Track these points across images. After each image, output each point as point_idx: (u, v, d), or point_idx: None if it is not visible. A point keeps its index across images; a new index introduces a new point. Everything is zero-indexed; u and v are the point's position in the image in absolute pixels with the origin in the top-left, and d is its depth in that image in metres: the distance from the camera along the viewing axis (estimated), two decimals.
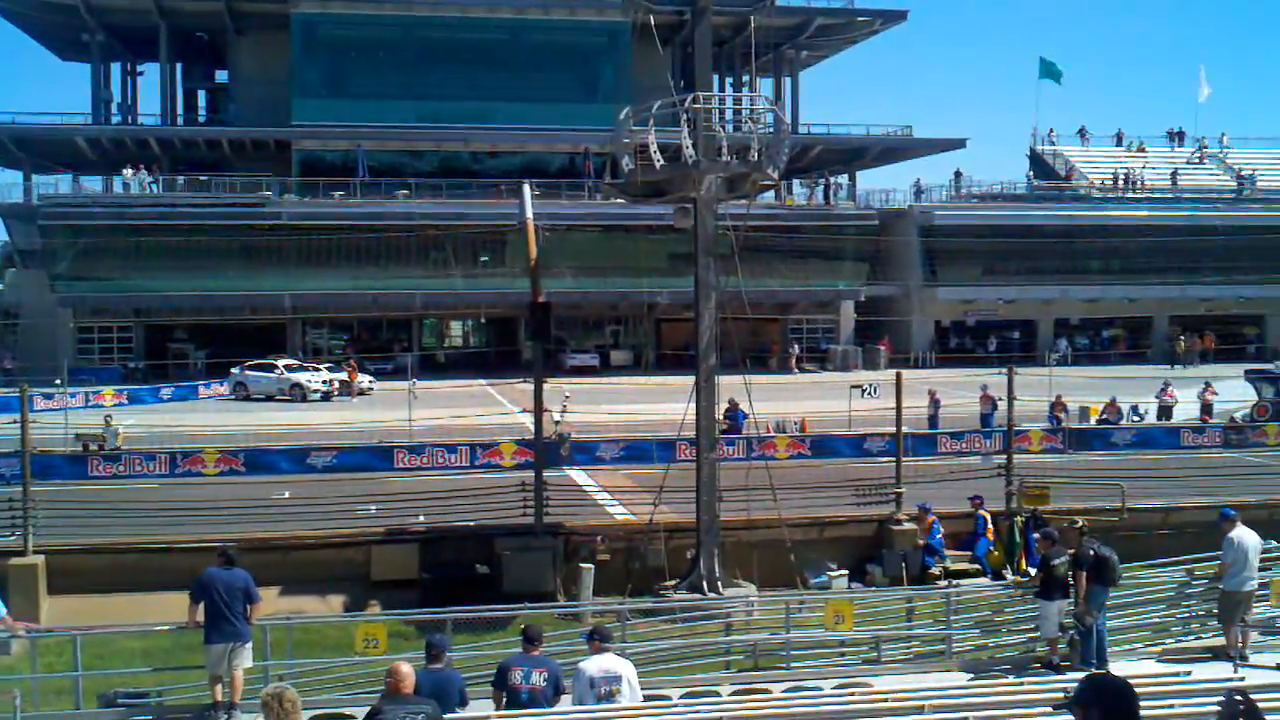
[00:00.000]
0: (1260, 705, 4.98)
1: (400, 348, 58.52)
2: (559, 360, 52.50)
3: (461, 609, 16.02)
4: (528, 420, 25.73)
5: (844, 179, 69.82)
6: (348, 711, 13.27)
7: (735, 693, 14.12)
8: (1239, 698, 4.83)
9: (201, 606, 13.23)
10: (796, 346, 60.18)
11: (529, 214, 24.78)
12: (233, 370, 49.28)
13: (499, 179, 57.73)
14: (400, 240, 55.28)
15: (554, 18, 62.45)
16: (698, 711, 11.95)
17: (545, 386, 23.75)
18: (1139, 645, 16.67)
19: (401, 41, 61.75)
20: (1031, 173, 69.99)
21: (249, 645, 13.36)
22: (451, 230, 55.25)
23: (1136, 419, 37.49)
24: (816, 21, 64.78)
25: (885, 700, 13.05)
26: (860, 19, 66.08)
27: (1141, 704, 11.48)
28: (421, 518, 23.86)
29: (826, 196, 64.58)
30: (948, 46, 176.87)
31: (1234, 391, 39.83)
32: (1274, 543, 18.37)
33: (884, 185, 73.75)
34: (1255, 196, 67.63)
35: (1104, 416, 36.67)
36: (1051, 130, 72.70)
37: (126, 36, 64.84)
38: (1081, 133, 73.32)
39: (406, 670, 9.02)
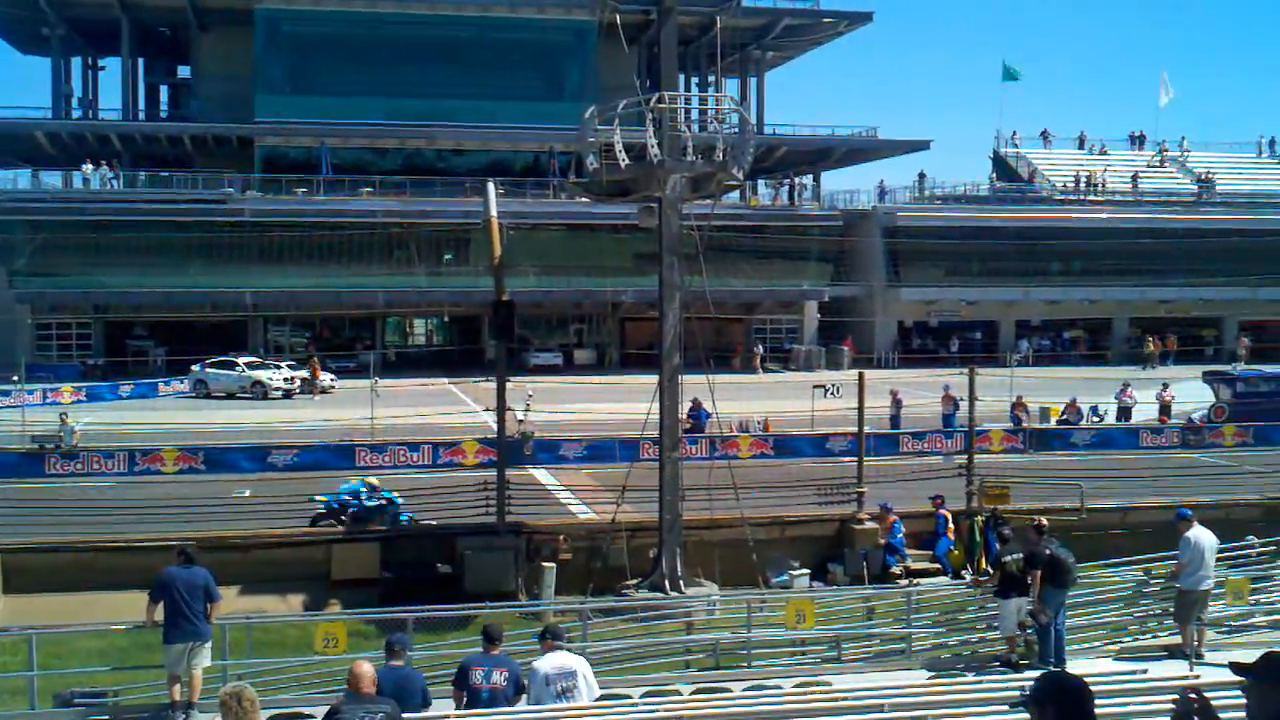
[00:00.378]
0: (1214, 704, 5.02)
1: (363, 346, 58.24)
2: (522, 359, 52.34)
3: (422, 608, 15.95)
4: (490, 419, 25.69)
5: (809, 180, 70.04)
6: (307, 711, 13.17)
7: (696, 692, 14.11)
8: (1193, 696, 4.83)
9: (160, 606, 13.11)
10: (760, 346, 60.28)
11: (493, 212, 24.74)
12: (193, 368, 48.84)
13: (464, 177, 57.44)
14: (363, 238, 55.02)
15: (520, 16, 62.31)
16: (658, 710, 11.94)
17: (508, 385, 23.71)
18: (1097, 644, 16.82)
19: (366, 38, 61.40)
20: (994, 175, 70.42)
21: (208, 645, 13.26)
22: (415, 228, 55.02)
23: (1096, 420, 37.80)
24: (782, 22, 64.94)
25: (845, 699, 13.08)
26: (826, 20, 66.27)
27: (1098, 702, 11.58)
28: None
29: (791, 197, 64.76)
30: (913, 49, 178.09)
31: (1192, 393, 40.22)
32: (1256, 540, 18.67)
33: (848, 186, 74.97)
34: (1214, 200, 68.34)
35: (1064, 417, 36.95)
36: (1015, 133, 73.27)
37: (88, 30, 64.22)
38: (1044, 135, 73.85)
39: (367, 669, 8.98)
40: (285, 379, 48.10)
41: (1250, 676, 4.72)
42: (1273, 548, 19.38)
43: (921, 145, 69.11)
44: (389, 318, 63.73)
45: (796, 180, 66.65)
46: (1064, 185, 68.37)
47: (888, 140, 69.46)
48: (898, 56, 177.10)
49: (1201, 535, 15.82)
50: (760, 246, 57.57)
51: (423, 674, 11.91)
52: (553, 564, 21.40)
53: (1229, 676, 5.21)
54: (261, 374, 47.96)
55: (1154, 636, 16.98)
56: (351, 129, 61.18)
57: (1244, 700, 4.78)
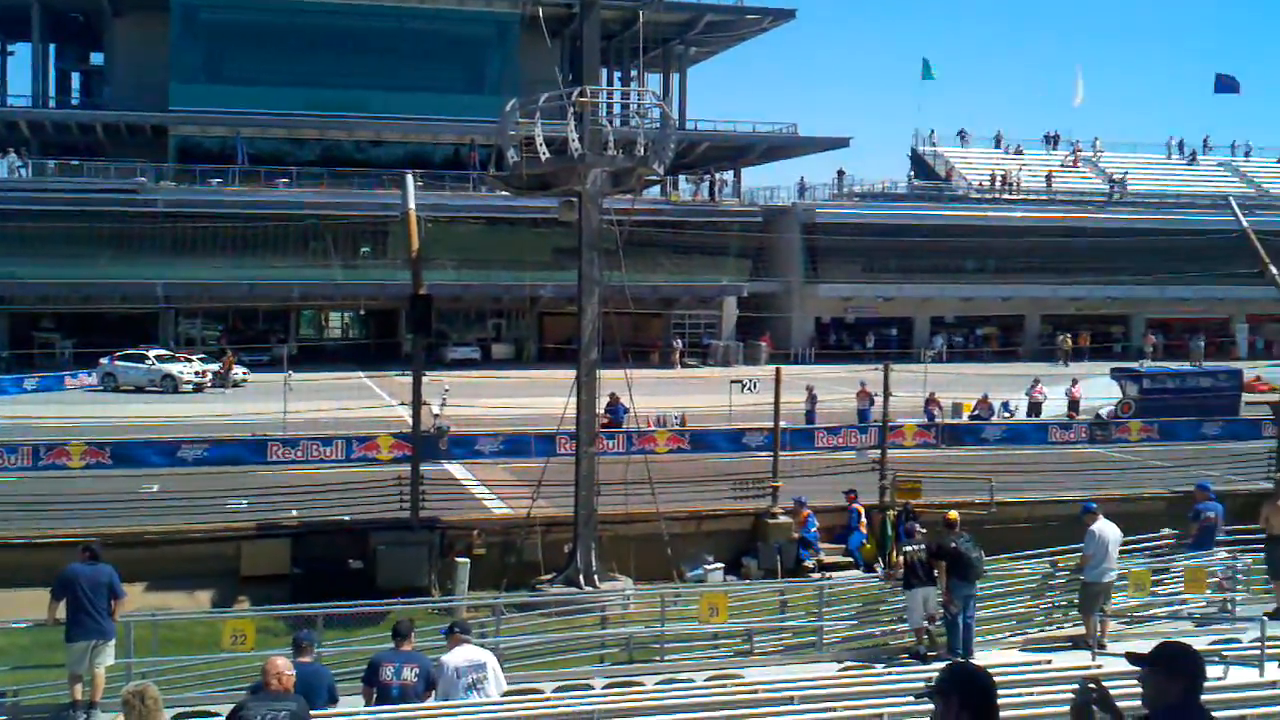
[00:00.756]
0: (1114, 693, 5.15)
1: (277, 339, 57.43)
2: (440, 353, 52.03)
3: (332, 604, 15.81)
4: (406, 413, 25.46)
5: (730, 175, 70.36)
6: (213, 709, 13.01)
7: (608, 686, 14.15)
8: (1092, 686, 4.94)
9: (63, 603, 12.87)
10: (679, 341, 60.47)
11: (411, 205, 24.56)
12: (101, 361, 47.80)
13: (382, 169, 56.93)
14: (279, 230, 54.17)
15: (442, 7, 61.87)
16: (569, 704, 11.96)
17: (425, 379, 23.56)
18: (1004, 635, 17.14)
19: (285, 27, 60.56)
20: (912, 173, 71.25)
21: (112, 643, 13.06)
22: (332, 220, 54.43)
23: (1007, 415, 38.42)
24: (705, 18, 65.15)
25: (756, 692, 13.21)
26: (749, 17, 66.55)
27: (1003, 692, 11.81)
28: (294, 512, 23.50)
29: (712, 193, 64.98)
30: (835, 47, 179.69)
31: (1101, 389, 41.02)
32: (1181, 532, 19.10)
33: (769, 182, 75.28)
34: (1125, 199, 69.75)
35: (976, 413, 37.53)
36: (933, 131, 74.18)
37: None
38: (961, 135, 74.89)
39: (279, 664, 8.88)
40: (196, 372, 47.29)
41: (1145, 666, 4.85)
42: (1171, 540, 19.92)
43: (841, 143, 69.76)
44: (304, 311, 62.99)
45: (717, 176, 66.95)
46: (980, 184, 69.38)
47: (808, 137, 69.99)
48: (820, 54, 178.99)
49: (1106, 528, 16.18)
50: (680, 242, 57.71)
51: (331, 671, 11.81)
52: (467, 559, 21.29)
53: (1129, 666, 5.34)
54: (172, 367, 47.09)
55: (1059, 628, 17.33)
56: (268, 119, 60.29)
57: (1140, 689, 4.91)
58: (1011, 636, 17.11)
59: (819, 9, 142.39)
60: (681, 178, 66.31)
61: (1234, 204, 33.48)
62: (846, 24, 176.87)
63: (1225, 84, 74.91)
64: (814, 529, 23.76)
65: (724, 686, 13.86)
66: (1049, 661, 15.16)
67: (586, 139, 20.85)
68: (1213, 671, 13.09)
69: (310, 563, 21.79)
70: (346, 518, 23.11)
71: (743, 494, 25.40)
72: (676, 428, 33.35)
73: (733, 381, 35.77)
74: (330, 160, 60.30)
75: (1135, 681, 5.11)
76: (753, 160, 72.42)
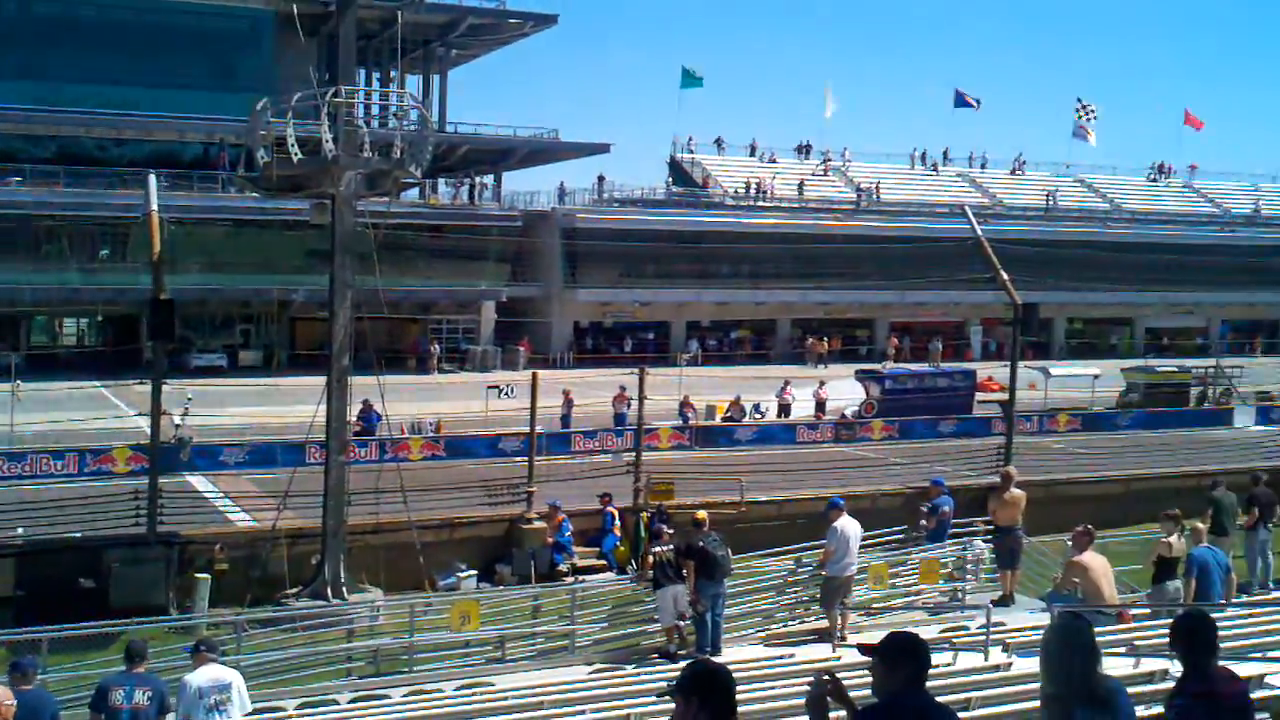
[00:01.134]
0: (850, 683, 5.29)
1: (5, 346, 53.91)
2: (183, 361, 49.86)
3: (57, 627, 14.92)
4: (146, 424, 24.28)
5: (491, 180, 70.01)
6: None
7: (354, 700, 13.85)
8: (826, 678, 5.05)
9: None
10: (437, 347, 59.76)
11: (154, 205, 23.56)
12: None
13: (125, 168, 54.22)
14: (9, 230, 50.91)
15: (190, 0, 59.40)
16: None
17: (166, 388, 22.58)
18: (751, 631, 17.57)
19: (15, 16, 56.94)
20: (670, 179, 72.43)
21: None
22: (68, 221, 51.49)
23: (759, 416, 39.48)
24: (467, 20, 64.49)
25: (505, 698, 13.16)
26: (511, 21, 66.28)
27: (748, 687, 12.02)
28: (20, 531, 22.11)
29: (472, 196, 64.51)
30: (597, 53, 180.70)
31: (847, 390, 42.57)
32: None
33: (530, 187, 75.36)
34: (872, 208, 72.68)
35: (729, 414, 38.43)
36: (691, 139, 75.45)
37: None
38: (718, 143, 76.47)
39: (1, 693, 8.29)
40: None
41: (874, 656, 5.03)
42: (900, 535, 20.88)
43: (602, 148, 70.30)
44: (36, 316, 59.37)
45: (478, 180, 66.47)
46: (735, 191, 71.09)
47: (569, 143, 70.24)
48: (582, 60, 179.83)
49: (847, 524, 16.71)
50: (439, 246, 57.04)
51: (56, 698, 11.17)
52: (208, 575, 20.47)
53: (862, 657, 5.53)
54: None
55: (802, 622, 17.87)
56: None
57: (870, 678, 5.07)
58: (758, 632, 17.54)
59: (582, 15, 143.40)
60: (441, 181, 65.62)
61: (969, 213, 35.27)
62: (609, 31, 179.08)
63: (964, 100, 78.87)
64: (568, 533, 23.83)
65: (474, 695, 13.75)
66: (792, 655, 15.61)
67: (341, 140, 20.40)
68: (943, 658, 13.75)
69: (37, 584, 20.52)
70: (77, 534, 21.87)
71: (498, 500, 25.28)
72: (431, 434, 32.93)
73: (489, 387, 35.59)
74: (67, 158, 56.88)
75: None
76: (514, 164, 72.19)
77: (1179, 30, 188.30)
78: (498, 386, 35.30)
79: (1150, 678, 10.74)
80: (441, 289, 59.04)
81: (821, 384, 42.37)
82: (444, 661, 16.37)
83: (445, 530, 23.88)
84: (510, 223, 62.26)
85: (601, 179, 69.12)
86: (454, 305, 61.71)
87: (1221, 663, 5.80)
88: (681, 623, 16.31)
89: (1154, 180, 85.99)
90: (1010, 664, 12.59)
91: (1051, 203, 77.88)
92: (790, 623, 17.91)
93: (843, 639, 16.04)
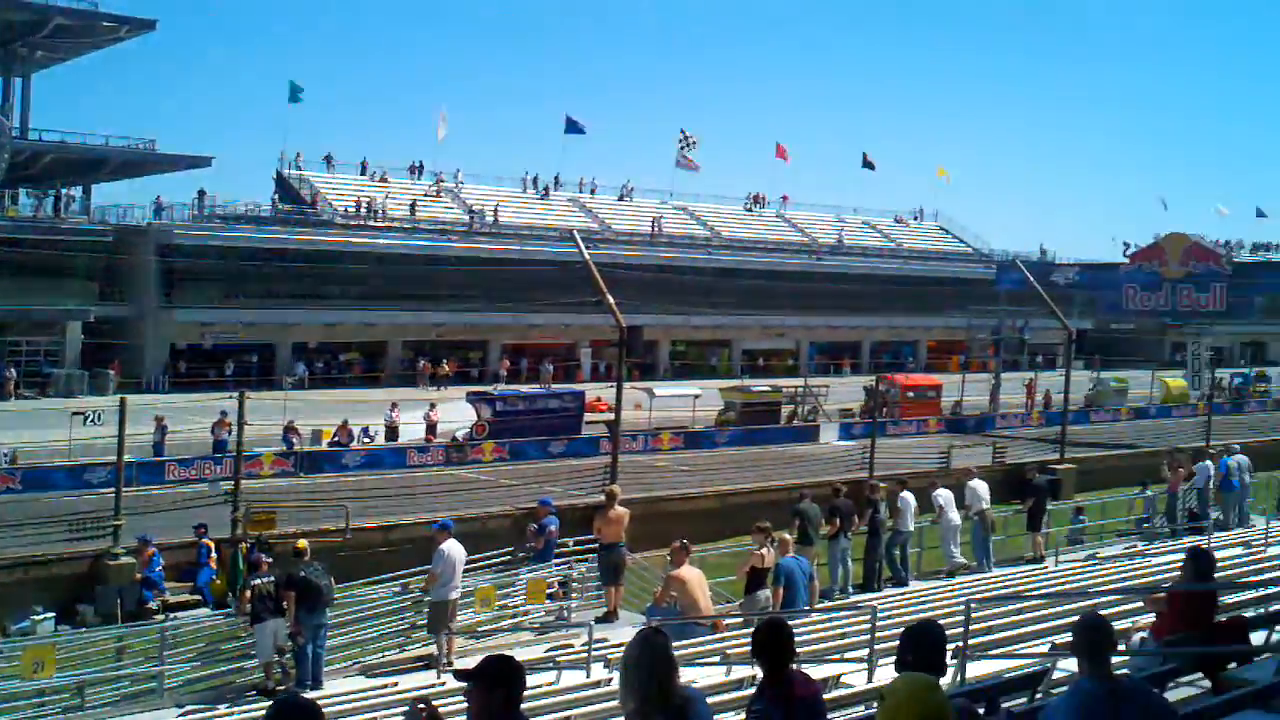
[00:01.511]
0: (452, 709, 5.20)
1: None
2: None
3: None
4: None
5: (79, 191, 65.33)
6: None
7: None
8: (421, 706, 5.08)
9: None
10: (14, 371, 54.92)
11: None
12: None
13: None
14: None
15: None
16: None
17: None
18: (356, 660, 17.09)
19: None
20: (277, 196, 70.10)
21: None
22: None
23: (367, 440, 38.76)
24: (54, 20, 60.03)
25: None
26: (105, 24, 62.28)
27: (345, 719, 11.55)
28: None
29: (57, 209, 59.86)
30: (200, 63, 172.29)
31: (460, 413, 42.49)
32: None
33: (126, 200, 70.37)
34: (485, 230, 73.13)
35: (336, 439, 37.45)
36: (299, 154, 73.32)
37: None
38: (328, 159, 74.71)
39: None
40: None
41: (470, 681, 4.97)
42: (508, 556, 21.00)
43: (204, 161, 67.27)
44: None
45: (65, 191, 61.79)
46: (346, 210, 69.70)
47: (167, 154, 66.83)
48: (185, 68, 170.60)
49: (453, 547, 16.57)
50: (17, 261, 52.55)
51: None
52: None
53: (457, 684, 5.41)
54: None
55: (406, 650, 17.56)
56: None
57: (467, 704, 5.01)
58: (365, 660, 17.10)
59: (184, 21, 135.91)
60: (23, 191, 60.47)
61: (578, 237, 35.99)
62: (213, 38, 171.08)
63: (575, 125, 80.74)
64: (159, 567, 22.49)
65: None
66: (395, 684, 15.29)
67: None
68: (547, 677, 13.88)
69: None
70: None
71: (81, 535, 23.48)
72: (6, 466, 30.20)
73: (75, 413, 33.05)
74: None
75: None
76: (106, 175, 67.86)
77: (773, 65, 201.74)
78: (83, 413, 32.85)
79: (740, 684, 11.21)
80: (19, 309, 54.36)
81: (433, 406, 42.12)
82: (15, 714, 14.97)
83: (19, 570, 21.91)
84: (100, 238, 58.17)
85: (202, 193, 65.86)
86: (34, 326, 56.86)
87: (800, 666, 6.06)
88: (281, 657, 15.66)
89: (750, 210, 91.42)
90: (611, 679, 12.83)
91: (657, 229, 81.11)
92: (395, 651, 17.55)
93: (449, 664, 15.87)
